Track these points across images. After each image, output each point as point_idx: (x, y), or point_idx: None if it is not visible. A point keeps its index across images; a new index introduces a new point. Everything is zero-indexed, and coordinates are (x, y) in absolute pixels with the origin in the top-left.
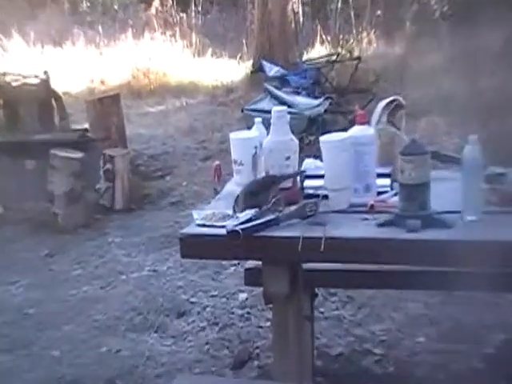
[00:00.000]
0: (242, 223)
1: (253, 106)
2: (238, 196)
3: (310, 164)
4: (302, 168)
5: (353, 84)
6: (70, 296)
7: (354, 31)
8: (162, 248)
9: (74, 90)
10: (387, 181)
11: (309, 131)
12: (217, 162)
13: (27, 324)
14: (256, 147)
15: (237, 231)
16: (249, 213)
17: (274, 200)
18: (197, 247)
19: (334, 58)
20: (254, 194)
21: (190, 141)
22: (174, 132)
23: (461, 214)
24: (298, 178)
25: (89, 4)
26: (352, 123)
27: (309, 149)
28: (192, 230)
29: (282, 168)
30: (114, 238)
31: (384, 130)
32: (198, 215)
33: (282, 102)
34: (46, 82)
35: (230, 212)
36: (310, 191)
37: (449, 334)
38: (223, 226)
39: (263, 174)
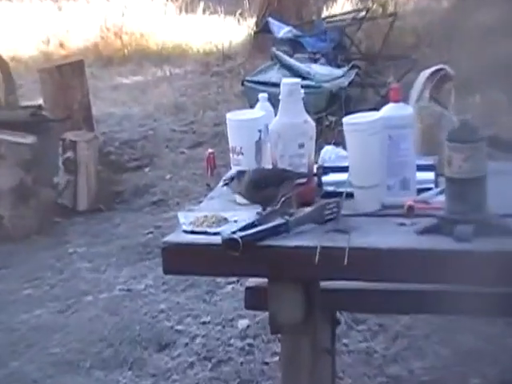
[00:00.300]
0: (242, 229)
1: (257, 78)
2: (236, 174)
3: (330, 153)
4: (320, 158)
5: (386, 48)
6: (18, 323)
7: None
8: (139, 260)
9: (25, 54)
10: (430, 175)
11: (329, 110)
12: (210, 150)
13: None
14: (260, 131)
15: (235, 239)
16: (251, 215)
17: (283, 199)
18: (184, 260)
19: (362, 14)
20: (259, 189)
21: (175, 122)
22: (155, 111)
23: None
24: (315, 170)
25: None
26: (385, 100)
27: (329, 133)
28: (178, 237)
29: (293, 158)
30: (76, 248)
31: (427, 108)
32: (185, 219)
33: (295, 72)
34: None
35: (227, 215)
36: (330, 188)
37: None
38: (218, 233)
39: (269, 166)
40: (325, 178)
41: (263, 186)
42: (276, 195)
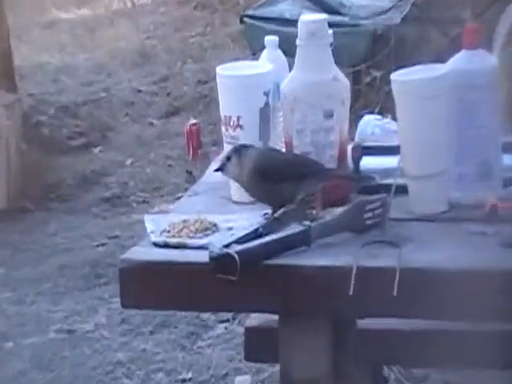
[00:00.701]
0: (241, 241)
1: (262, 12)
2: (235, 151)
3: (372, 125)
4: (358, 133)
5: None
6: None
7: None
8: (86, 288)
9: None
10: None
11: (372, 60)
12: (192, 122)
13: None
14: (267, 94)
15: (230, 256)
16: (253, 220)
17: (302, 196)
18: (152, 287)
19: None
20: (268, 183)
21: (139, 78)
22: (110, 60)
23: None
24: (349, 151)
25: None
26: (455, 45)
27: (371, 95)
28: (143, 253)
29: (317, 134)
30: None
31: None
32: (154, 225)
33: (321, 3)
34: None
35: (218, 220)
36: (373, 179)
37: None
38: (204, 247)
39: (281, 145)
40: (365, 163)
41: (276, 179)
42: (294, 195)
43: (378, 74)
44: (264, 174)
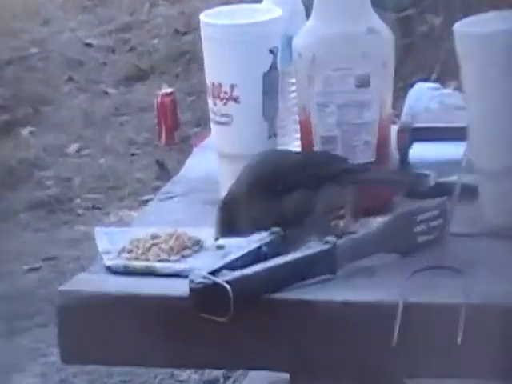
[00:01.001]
0: (235, 265)
1: None
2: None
3: (426, 98)
4: (406, 108)
5: None
6: None
7: None
8: (10, 333)
9: None
10: None
11: (425, 2)
12: (165, 91)
13: None
14: (274, 51)
15: (219, 286)
16: (252, 236)
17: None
18: (106, 333)
19: None
20: (273, 194)
21: (87, 27)
22: (45, 1)
23: None
24: (394, 136)
25: None
26: None
27: (426, 52)
28: (93, 282)
29: (346, 110)
30: None
31: None
32: (109, 241)
33: None
34: None
35: (203, 235)
36: (427, 176)
37: None
38: (181, 274)
39: (292, 128)
40: (415, 153)
41: (282, 189)
42: (309, 208)
43: (436, 21)
44: (263, 185)
